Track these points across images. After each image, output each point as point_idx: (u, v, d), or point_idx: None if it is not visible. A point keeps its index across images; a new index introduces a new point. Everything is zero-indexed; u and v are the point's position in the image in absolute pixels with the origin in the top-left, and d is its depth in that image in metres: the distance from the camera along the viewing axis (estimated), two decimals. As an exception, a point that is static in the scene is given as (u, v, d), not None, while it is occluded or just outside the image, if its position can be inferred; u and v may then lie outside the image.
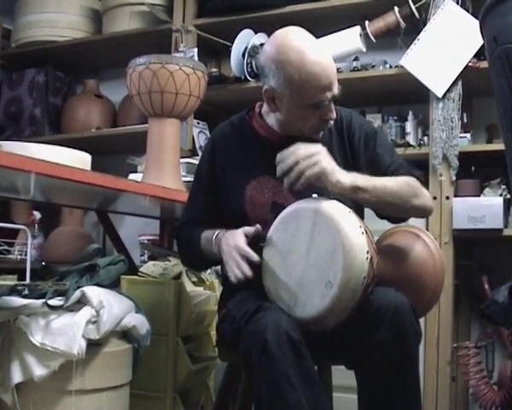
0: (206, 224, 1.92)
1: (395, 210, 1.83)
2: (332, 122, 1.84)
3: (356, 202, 1.79)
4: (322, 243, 1.63)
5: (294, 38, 1.76)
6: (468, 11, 2.87)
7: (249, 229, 1.75)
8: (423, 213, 1.92)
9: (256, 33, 3.27)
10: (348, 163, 1.86)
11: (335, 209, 1.65)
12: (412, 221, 2.66)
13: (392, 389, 1.62)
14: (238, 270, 1.70)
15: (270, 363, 1.52)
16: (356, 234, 1.61)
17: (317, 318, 1.60)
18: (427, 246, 1.89)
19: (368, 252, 1.60)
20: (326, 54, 1.77)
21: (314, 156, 1.66)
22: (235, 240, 1.74)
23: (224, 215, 1.92)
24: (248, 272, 1.68)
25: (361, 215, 1.87)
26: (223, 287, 2.05)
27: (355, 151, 1.92)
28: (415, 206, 1.82)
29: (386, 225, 2.03)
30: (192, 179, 2.16)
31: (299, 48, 1.73)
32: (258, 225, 1.75)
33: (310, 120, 1.80)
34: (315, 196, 1.73)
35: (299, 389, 1.52)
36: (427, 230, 2.87)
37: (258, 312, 1.62)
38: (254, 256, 1.70)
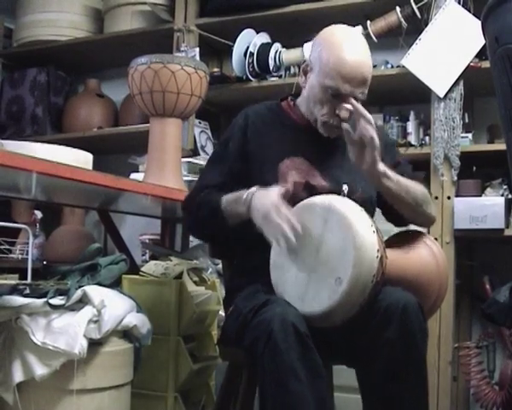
0: (228, 191, 1.84)
1: (407, 209, 1.89)
2: (345, 125, 1.81)
3: (368, 201, 1.86)
4: (333, 240, 1.63)
5: (347, 31, 1.89)
6: (469, 11, 2.87)
7: (282, 189, 1.70)
8: (428, 221, 2.01)
9: (258, 33, 3.27)
10: None
11: (348, 207, 1.65)
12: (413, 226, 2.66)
13: (400, 387, 1.62)
14: (279, 230, 1.63)
15: (275, 354, 1.52)
16: (367, 232, 1.61)
17: (326, 313, 1.60)
18: (431, 250, 1.89)
19: (378, 250, 1.61)
20: (367, 58, 1.85)
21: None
22: (270, 198, 1.68)
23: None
24: (291, 235, 1.62)
25: (371, 215, 1.88)
26: (228, 285, 2.05)
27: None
28: (424, 212, 1.92)
29: (389, 226, 2.04)
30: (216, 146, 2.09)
31: (345, 38, 1.85)
32: (288, 186, 1.75)
33: (324, 106, 1.84)
34: (345, 187, 1.80)
35: (304, 381, 1.51)
36: (429, 230, 2.87)
37: (265, 305, 1.62)
38: (291, 217, 1.64)
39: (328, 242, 1.64)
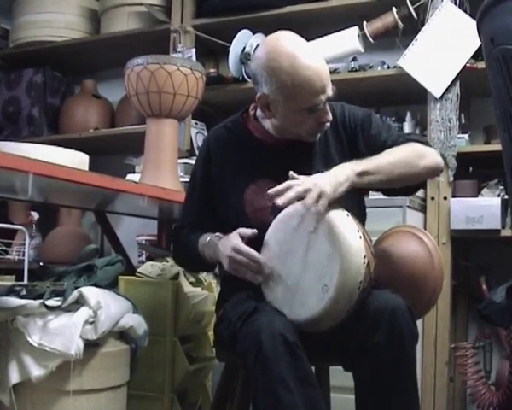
0: (203, 228, 1.91)
1: (407, 179, 1.80)
2: (328, 124, 1.82)
3: (356, 204, 1.81)
4: (319, 246, 1.62)
5: (285, 44, 1.74)
6: (465, 12, 2.88)
7: (245, 230, 1.74)
8: (435, 170, 1.86)
9: (254, 34, 3.27)
10: (346, 159, 1.82)
11: (333, 213, 1.64)
12: (410, 221, 2.67)
13: (390, 390, 1.61)
14: (235, 265, 1.69)
15: (265, 365, 1.52)
16: (353, 238, 1.60)
17: (313, 320, 1.60)
18: (426, 246, 1.89)
19: (365, 256, 1.60)
20: (318, 57, 1.75)
21: (313, 191, 1.62)
22: (230, 241, 1.73)
23: (224, 219, 1.89)
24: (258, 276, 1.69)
25: (362, 218, 1.87)
26: (221, 288, 2.05)
27: (353, 141, 1.89)
28: (425, 166, 1.79)
29: (384, 226, 2.04)
30: (188, 181, 2.13)
31: (291, 53, 1.71)
32: (254, 230, 1.74)
33: (306, 123, 1.78)
34: None
35: (294, 391, 1.51)
36: (425, 230, 2.87)
37: (253, 313, 1.62)
38: (251, 251, 1.69)
39: (314, 248, 1.63)
